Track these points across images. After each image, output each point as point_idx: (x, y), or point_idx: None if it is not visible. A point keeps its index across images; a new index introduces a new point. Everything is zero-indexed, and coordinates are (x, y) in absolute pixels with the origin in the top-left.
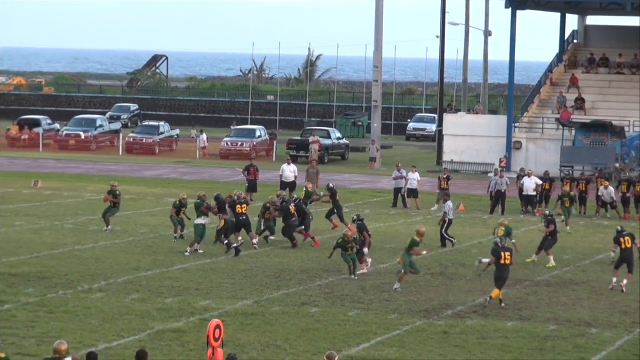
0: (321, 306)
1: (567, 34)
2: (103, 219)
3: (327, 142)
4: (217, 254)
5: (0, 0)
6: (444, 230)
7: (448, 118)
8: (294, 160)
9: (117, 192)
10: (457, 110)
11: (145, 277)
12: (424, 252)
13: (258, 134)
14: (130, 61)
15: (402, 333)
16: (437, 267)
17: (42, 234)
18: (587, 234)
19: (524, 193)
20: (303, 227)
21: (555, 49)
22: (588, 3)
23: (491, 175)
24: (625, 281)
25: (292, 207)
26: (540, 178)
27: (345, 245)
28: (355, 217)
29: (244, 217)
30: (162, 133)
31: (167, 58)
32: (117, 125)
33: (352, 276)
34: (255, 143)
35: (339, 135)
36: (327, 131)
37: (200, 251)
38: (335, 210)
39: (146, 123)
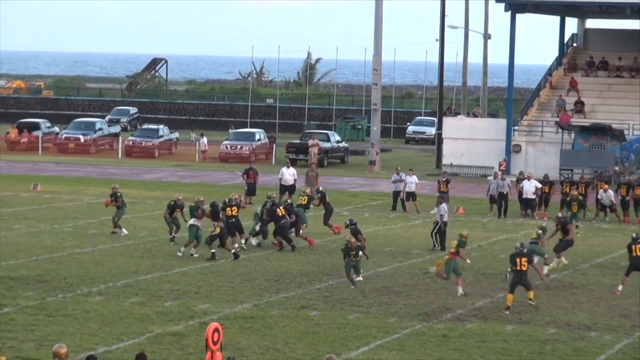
0: (320, 309)
1: (567, 37)
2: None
3: (327, 145)
4: (217, 257)
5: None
6: (433, 231)
7: (447, 121)
8: (293, 163)
9: (118, 194)
10: (457, 114)
11: (145, 280)
12: (468, 260)
13: (257, 137)
14: (130, 64)
15: (402, 336)
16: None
17: (41, 237)
18: (586, 237)
19: (523, 196)
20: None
21: (554, 52)
22: (587, 6)
23: (490, 178)
24: None
25: (280, 210)
26: (540, 181)
27: (348, 252)
28: (348, 222)
29: (234, 220)
30: (161, 136)
31: (166, 61)
32: (116, 129)
33: (352, 286)
34: (254, 146)
35: (338, 138)
36: (327, 134)
37: (195, 255)
38: (325, 212)
39: (145, 126)
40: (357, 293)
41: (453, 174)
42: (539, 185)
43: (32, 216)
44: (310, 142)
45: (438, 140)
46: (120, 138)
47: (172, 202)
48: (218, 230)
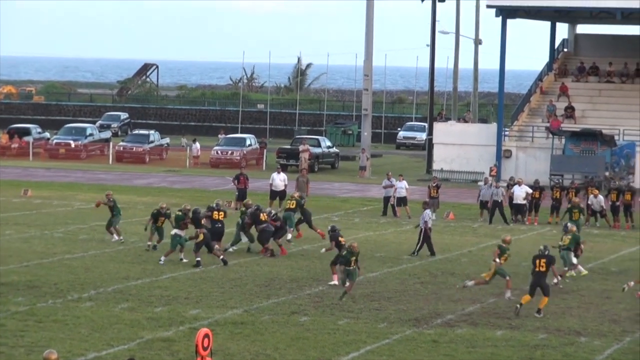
0: (311, 315)
1: (557, 43)
2: (107, 231)
3: (317, 150)
4: (206, 263)
5: None
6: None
7: (438, 126)
8: (284, 168)
9: (111, 199)
10: (447, 119)
11: (135, 286)
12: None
13: (248, 142)
14: (121, 70)
15: (392, 342)
16: (427, 275)
17: (31, 242)
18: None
19: (514, 202)
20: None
21: (545, 58)
22: (578, 11)
23: (481, 183)
24: None
25: (263, 215)
26: (530, 186)
27: (349, 258)
28: (329, 229)
29: (219, 225)
30: (152, 142)
31: (157, 67)
32: (107, 134)
33: (341, 300)
34: (245, 152)
35: (329, 143)
36: (317, 140)
37: (185, 260)
38: (303, 218)
39: (136, 132)
40: (347, 299)
41: (444, 179)
42: (530, 191)
43: (23, 222)
44: (301, 147)
45: (429, 145)
46: (111, 143)
47: (156, 210)
48: (202, 236)
